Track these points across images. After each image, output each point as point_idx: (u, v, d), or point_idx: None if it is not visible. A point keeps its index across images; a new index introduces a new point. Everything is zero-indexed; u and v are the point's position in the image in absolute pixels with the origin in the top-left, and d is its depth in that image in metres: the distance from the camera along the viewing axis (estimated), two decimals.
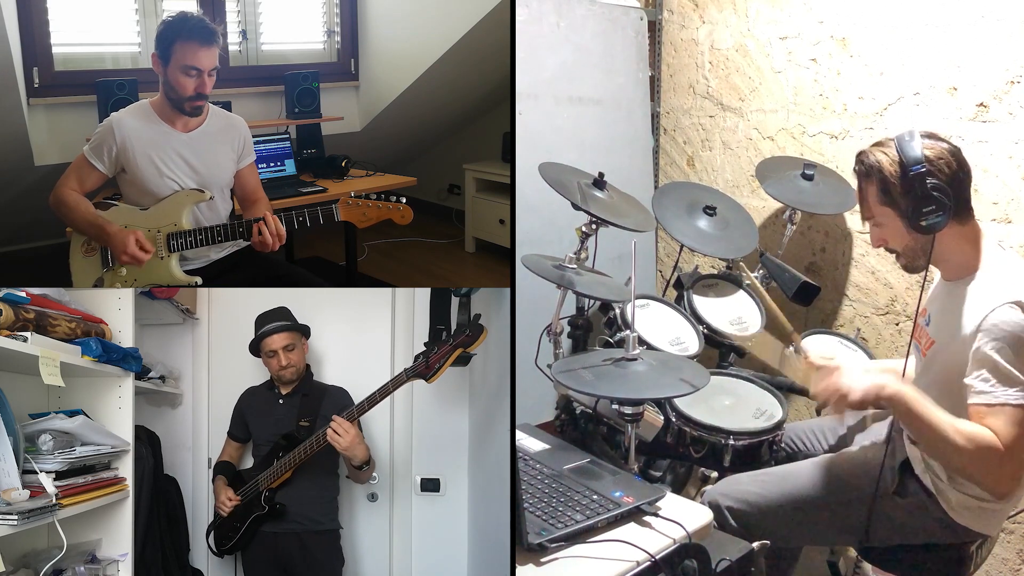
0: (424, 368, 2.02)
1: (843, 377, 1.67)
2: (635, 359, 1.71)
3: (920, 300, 1.86)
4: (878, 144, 1.72)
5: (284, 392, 2.32)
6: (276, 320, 2.30)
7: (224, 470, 2.34)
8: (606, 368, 1.72)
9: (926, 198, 1.63)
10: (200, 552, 2.40)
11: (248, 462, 2.39)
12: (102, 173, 2.06)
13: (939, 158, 1.63)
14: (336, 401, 2.27)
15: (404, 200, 2.02)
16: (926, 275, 1.80)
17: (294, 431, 2.22)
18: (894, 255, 1.80)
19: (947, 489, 1.73)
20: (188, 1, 3.14)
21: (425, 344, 2.07)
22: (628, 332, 1.74)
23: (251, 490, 2.24)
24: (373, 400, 2.09)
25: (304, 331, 2.35)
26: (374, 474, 2.42)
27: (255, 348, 2.32)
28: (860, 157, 1.74)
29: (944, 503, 1.74)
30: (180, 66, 2.01)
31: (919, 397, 1.64)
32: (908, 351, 1.88)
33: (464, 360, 2.17)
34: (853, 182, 2.51)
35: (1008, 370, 1.56)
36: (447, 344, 2.02)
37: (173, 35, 2.01)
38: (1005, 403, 1.57)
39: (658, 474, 2.19)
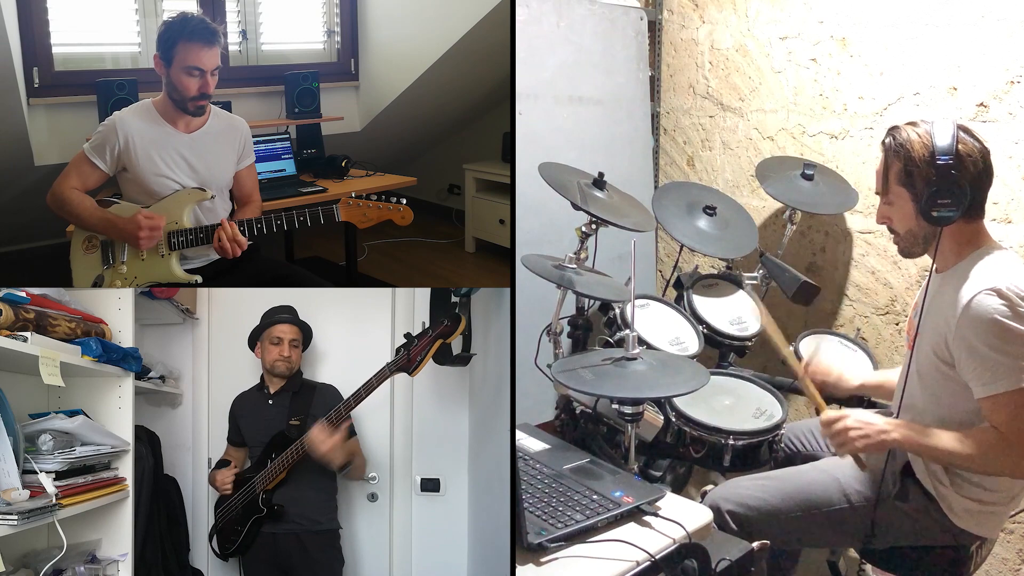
0: (406, 362, 2.04)
1: (849, 423, 1.72)
2: (635, 359, 1.71)
3: (920, 300, 1.85)
4: (912, 123, 1.70)
5: (272, 390, 2.32)
6: (288, 313, 2.33)
7: (221, 467, 2.35)
8: (606, 368, 1.72)
9: (944, 190, 1.62)
10: (200, 552, 2.41)
11: (247, 465, 2.39)
12: (103, 172, 2.06)
13: (968, 155, 1.63)
14: (327, 398, 2.28)
15: (404, 201, 2.02)
16: (928, 279, 1.80)
17: (285, 430, 2.22)
18: (893, 235, 1.80)
19: (949, 494, 1.73)
20: (188, 1, 3.14)
21: (405, 336, 2.08)
22: (628, 332, 1.74)
23: (248, 492, 2.24)
24: (359, 396, 2.10)
25: (308, 336, 2.36)
26: (374, 474, 2.42)
27: (257, 335, 2.32)
28: (892, 131, 1.72)
29: (946, 507, 1.74)
30: (183, 67, 2.02)
31: (919, 435, 1.69)
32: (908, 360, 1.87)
33: (464, 360, 2.18)
34: (853, 181, 2.54)
35: (995, 358, 1.56)
36: (427, 336, 2.04)
37: (175, 36, 2.02)
38: (997, 392, 1.58)
39: (658, 474, 2.19)
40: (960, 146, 1.62)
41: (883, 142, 1.75)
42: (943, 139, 1.63)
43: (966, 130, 1.66)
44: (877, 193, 1.79)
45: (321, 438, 2.10)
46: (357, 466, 2.27)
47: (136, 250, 2.03)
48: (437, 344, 2.03)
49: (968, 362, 1.61)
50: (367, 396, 2.10)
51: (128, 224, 1.99)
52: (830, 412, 1.78)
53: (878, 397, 2.10)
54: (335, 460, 2.14)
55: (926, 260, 1.82)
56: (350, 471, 2.25)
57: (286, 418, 2.25)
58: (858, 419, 1.73)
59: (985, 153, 1.65)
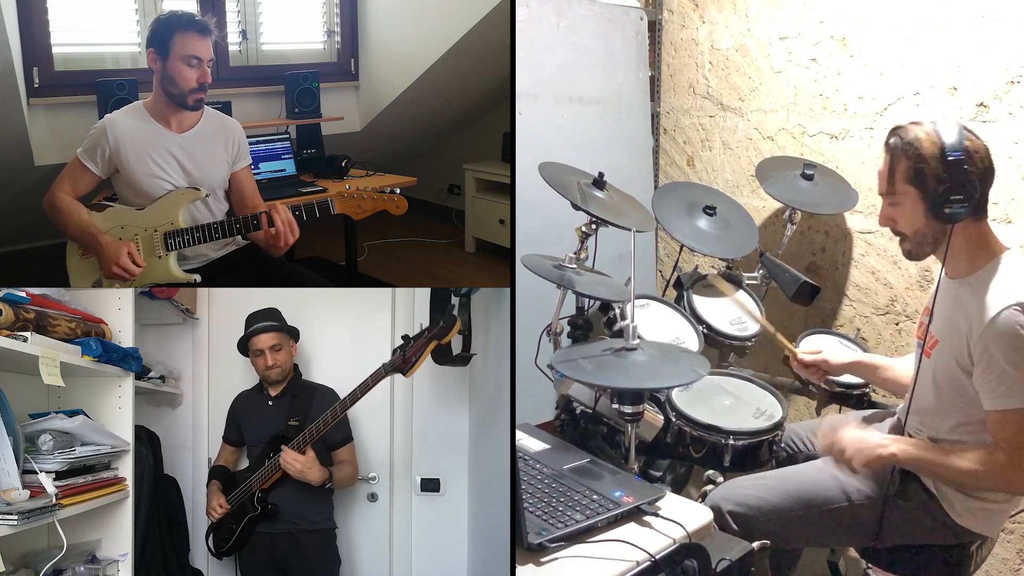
0: (401, 362, 2.04)
1: (844, 444, 1.72)
2: (635, 348, 1.70)
3: (935, 298, 1.83)
4: (916, 123, 1.70)
5: (273, 393, 2.33)
6: (265, 320, 2.31)
7: (218, 475, 2.35)
8: (606, 358, 1.71)
9: (957, 186, 1.62)
10: (200, 552, 2.40)
11: (244, 465, 2.38)
12: (96, 175, 2.05)
13: (976, 151, 1.64)
14: (326, 400, 2.28)
15: (398, 191, 2.02)
16: (940, 280, 1.79)
17: (284, 431, 2.22)
18: (899, 238, 1.78)
19: (950, 493, 1.73)
20: (188, 1, 3.14)
21: (403, 338, 2.08)
22: (627, 322, 1.73)
23: (244, 492, 2.24)
24: (354, 397, 2.10)
25: (293, 333, 2.35)
26: (374, 474, 2.42)
27: (243, 347, 2.32)
28: (898, 131, 1.71)
29: (947, 506, 1.74)
30: (181, 56, 2.01)
31: (918, 450, 1.70)
32: (919, 356, 1.85)
33: (464, 360, 2.17)
34: (853, 182, 2.54)
35: (1013, 374, 1.57)
36: (423, 338, 2.04)
37: (171, 28, 2.03)
38: (1008, 408, 1.58)
39: (658, 474, 2.19)
40: (968, 143, 1.63)
41: (888, 143, 1.73)
42: (951, 136, 1.63)
43: (967, 128, 1.67)
44: (881, 194, 1.77)
45: (288, 459, 2.15)
46: (340, 478, 2.26)
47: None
48: (432, 345, 2.03)
49: (985, 373, 1.61)
50: (363, 396, 2.10)
51: (108, 250, 1.98)
52: (823, 442, 1.78)
53: (871, 380, 2.10)
54: (311, 479, 2.18)
55: (927, 261, 1.81)
56: (334, 483, 2.25)
57: (286, 419, 2.26)
58: (852, 438, 1.73)
59: (988, 151, 1.66)
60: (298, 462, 2.15)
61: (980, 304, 1.62)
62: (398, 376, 2.10)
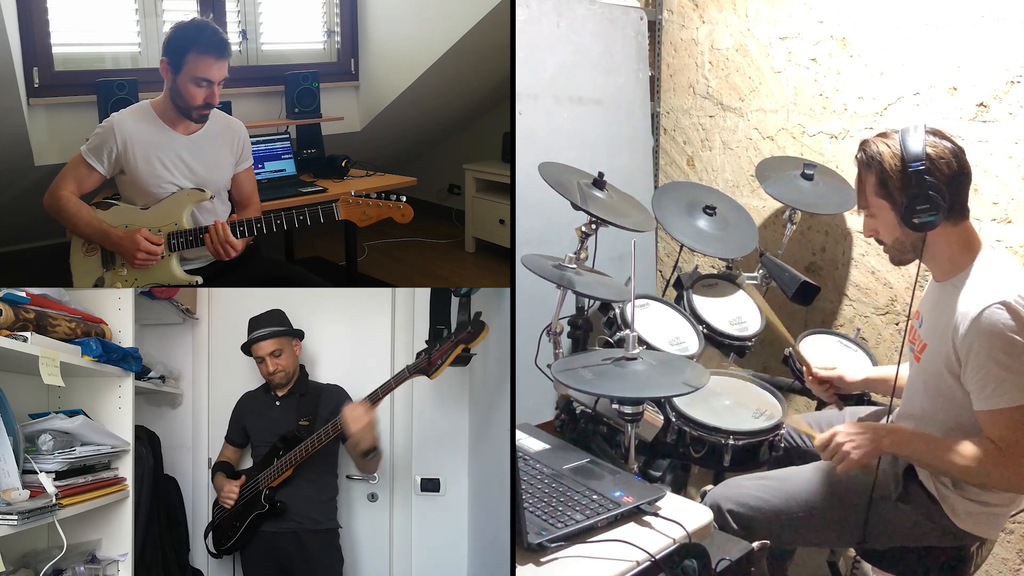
0: (426, 364, 2.02)
1: (840, 438, 1.73)
2: (635, 358, 1.71)
3: (912, 302, 1.86)
4: (882, 135, 1.71)
5: (280, 394, 2.32)
6: (264, 325, 2.30)
7: (223, 469, 2.35)
8: (606, 367, 1.72)
9: (921, 196, 1.62)
10: (200, 552, 2.41)
11: (246, 465, 2.39)
12: (100, 174, 2.05)
13: (940, 157, 1.62)
14: (334, 398, 2.28)
15: (404, 199, 2.02)
16: (917, 277, 1.80)
17: (294, 431, 2.22)
18: (883, 247, 1.80)
19: (952, 496, 1.73)
20: (188, 1, 3.14)
21: (427, 341, 2.08)
22: (628, 331, 1.74)
23: (251, 489, 2.24)
24: (376, 397, 2.08)
25: (295, 334, 2.35)
26: (374, 473, 2.42)
27: (247, 351, 2.33)
28: (863, 145, 1.73)
29: (948, 510, 1.73)
30: (192, 77, 2.00)
31: (913, 441, 1.70)
32: (900, 354, 1.87)
33: (464, 360, 2.17)
34: (853, 181, 2.54)
35: (1000, 373, 1.57)
36: (449, 341, 2.02)
37: (187, 44, 2.00)
38: (998, 407, 1.58)
39: (658, 474, 2.19)
40: (931, 150, 1.62)
41: (856, 157, 1.75)
42: (913, 146, 1.63)
43: (938, 133, 1.66)
44: (859, 208, 1.79)
45: (357, 414, 2.03)
46: (378, 455, 2.19)
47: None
48: (459, 349, 2.01)
49: (973, 374, 1.60)
50: (384, 397, 2.08)
51: (126, 241, 1.99)
52: (821, 435, 1.79)
53: (882, 392, 2.10)
54: (366, 439, 2.07)
55: None
56: (371, 459, 2.16)
57: (294, 419, 2.26)
58: (848, 432, 1.73)
59: (958, 153, 1.64)
60: (365, 418, 2.03)
61: (963, 305, 1.62)
62: None
